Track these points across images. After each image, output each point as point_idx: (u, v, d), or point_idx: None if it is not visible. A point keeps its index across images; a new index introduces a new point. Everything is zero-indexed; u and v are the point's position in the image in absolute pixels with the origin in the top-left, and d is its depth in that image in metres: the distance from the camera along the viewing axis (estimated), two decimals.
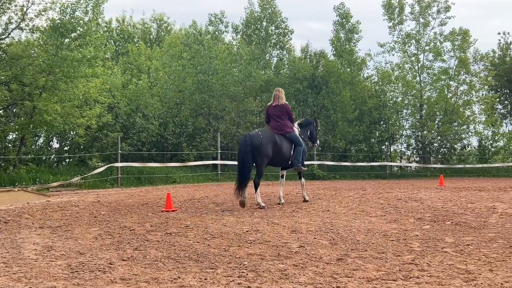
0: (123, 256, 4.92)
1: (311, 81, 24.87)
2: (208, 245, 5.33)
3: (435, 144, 27.12)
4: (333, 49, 26.29)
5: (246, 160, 8.92)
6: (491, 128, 27.17)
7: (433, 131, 25.89)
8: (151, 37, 32.01)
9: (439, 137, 26.36)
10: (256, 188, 9.15)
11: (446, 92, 26.04)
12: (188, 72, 22.63)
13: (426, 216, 7.32)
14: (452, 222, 6.69)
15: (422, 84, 26.63)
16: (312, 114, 25.07)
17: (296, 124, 9.90)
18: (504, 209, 7.91)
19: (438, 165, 25.35)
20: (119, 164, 16.97)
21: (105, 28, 27.94)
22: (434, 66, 26.74)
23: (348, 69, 25.77)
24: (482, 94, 27.21)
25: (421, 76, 26.84)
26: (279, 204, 9.45)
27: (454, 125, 26.19)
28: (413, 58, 26.84)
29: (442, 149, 27.49)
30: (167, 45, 25.13)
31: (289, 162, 9.46)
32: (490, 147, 27.84)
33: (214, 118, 22.89)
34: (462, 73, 26.12)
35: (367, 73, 27.96)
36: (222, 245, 5.32)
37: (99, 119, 18.36)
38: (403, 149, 28.21)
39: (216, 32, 26.29)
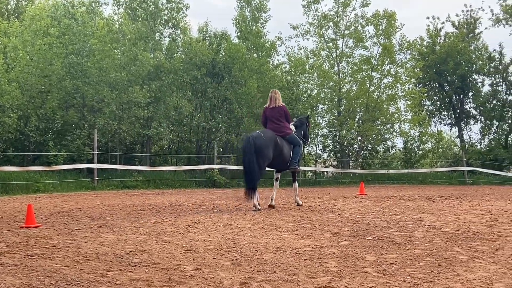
0: None
1: (211, 68, 25.29)
2: (81, 269, 5.20)
3: (355, 146, 28.46)
4: (237, 30, 26.94)
5: (252, 161, 10.14)
6: (418, 128, 29.05)
7: (352, 131, 27.05)
8: (9, 7, 31.05)
9: (360, 138, 27.67)
10: (255, 191, 10.36)
11: (368, 85, 27.38)
12: (57, 53, 22.02)
13: (344, 230, 7.49)
14: (373, 237, 6.87)
15: (340, 75, 27.89)
16: (212, 108, 25.84)
17: (292, 126, 11.35)
18: (432, 222, 8.24)
19: (358, 170, 26.65)
20: None
21: None
22: (354, 54, 28.12)
23: (255, 55, 26.47)
24: (409, 88, 28.94)
25: (340, 65, 28.15)
26: (270, 206, 10.79)
27: (377, 124, 27.63)
28: (331, 44, 28.02)
29: (363, 152, 28.91)
30: (29, 18, 23.95)
31: (287, 164, 10.94)
32: (417, 149, 29.76)
33: (90, 110, 22.60)
34: (386, 63, 27.62)
35: (278, 60, 28.91)
36: (98, 269, 5.20)
37: None
38: (319, 151, 29.36)
39: (93, 4, 25.89)
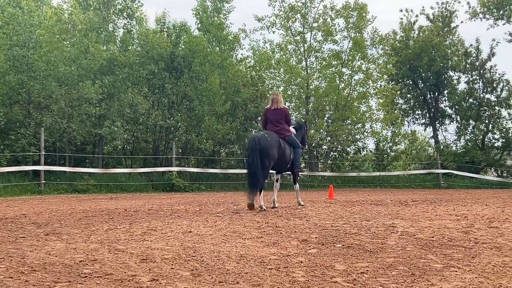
0: None
1: (169, 62, 25.30)
2: (26, 281, 5.11)
3: (324, 147, 28.79)
4: (198, 22, 26.92)
5: (257, 162, 10.81)
6: (391, 128, 29.56)
7: (321, 130, 27.33)
8: None
9: (329, 138, 27.96)
10: (260, 191, 11.18)
11: (337, 81, 27.59)
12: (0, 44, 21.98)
13: (312, 238, 7.53)
14: (343, 245, 6.91)
15: (309, 71, 28.06)
16: (171, 105, 25.85)
17: (292, 128, 12.20)
18: (405, 228, 8.34)
19: (328, 173, 26.86)
20: None
21: None
22: (323, 48, 28.30)
23: (217, 48, 26.45)
24: (381, 85, 29.26)
25: (308, 60, 28.33)
26: (273, 208, 11.59)
27: (347, 123, 27.93)
28: (298, 38, 28.13)
29: (332, 153, 29.19)
30: None
31: (288, 166, 11.83)
32: (389, 150, 30.27)
33: (36, 107, 22.39)
34: (357, 58, 27.87)
35: (241, 54, 29.04)
36: (45, 280, 5.12)
37: None
38: None
39: None
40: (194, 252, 6.55)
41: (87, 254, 6.41)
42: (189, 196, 18.52)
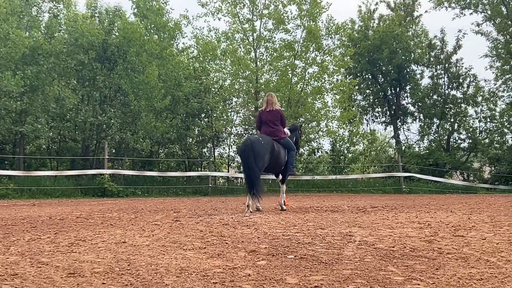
0: None
1: (101, 51, 25.04)
2: None
3: None
4: (134, 6, 26.64)
5: (251, 164, 11.49)
6: (348, 127, 29.86)
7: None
8: None
9: None
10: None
11: (290, 75, 27.73)
12: None
13: (261, 248, 7.46)
14: (296, 256, 6.85)
15: (258, 63, 28.12)
16: (103, 100, 25.59)
17: (287, 130, 12.96)
18: (363, 237, 8.34)
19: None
20: None
21: None
22: (274, 38, 28.45)
23: (156, 37, 26.29)
24: (337, 80, 29.72)
25: (258, 51, 28.42)
26: (281, 210, 12.57)
27: (300, 121, 27.77)
28: (247, 26, 28.24)
29: None
30: None
31: (282, 168, 12.64)
32: (346, 152, 30.57)
33: None
34: (311, 49, 28.02)
35: (183, 43, 29.16)
36: None
37: None
38: (232, 154, 29.49)
39: None
40: (129, 265, 6.42)
41: (6, 268, 6.18)
42: (123, 202, 18.21)
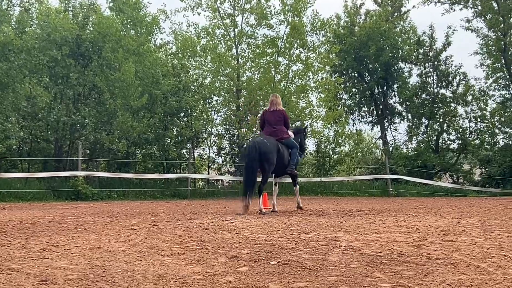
0: None
1: (75, 47, 24.86)
2: None
3: None
4: (110, 0, 26.62)
5: (255, 167, 12.22)
6: (334, 127, 29.93)
7: (254, 129, 27.01)
8: None
9: None
10: (260, 195, 12.65)
11: (273, 72, 27.77)
12: None
13: (243, 254, 7.39)
14: (279, 262, 6.80)
15: (240, 60, 28.16)
16: (77, 98, 25.45)
17: (291, 132, 13.45)
18: (349, 242, 8.30)
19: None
20: None
21: None
22: (257, 34, 28.50)
23: (133, 32, 26.29)
24: (322, 78, 29.59)
25: (239, 47, 28.46)
26: (273, 212, 13.07)
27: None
28: (228, 21, 28.29)
29: None
30: None
31: (285, 168, 13.05)
32: (331, 153, 30.65)
33: None
34: (295, 46, 28.02)
35: (161, 39, 29.08)
36: None
37: None
38: (212, 155, 29.63)
39: None
40: (104, 271, 6.27)
41: None
42: (98, 206, 18.18)
